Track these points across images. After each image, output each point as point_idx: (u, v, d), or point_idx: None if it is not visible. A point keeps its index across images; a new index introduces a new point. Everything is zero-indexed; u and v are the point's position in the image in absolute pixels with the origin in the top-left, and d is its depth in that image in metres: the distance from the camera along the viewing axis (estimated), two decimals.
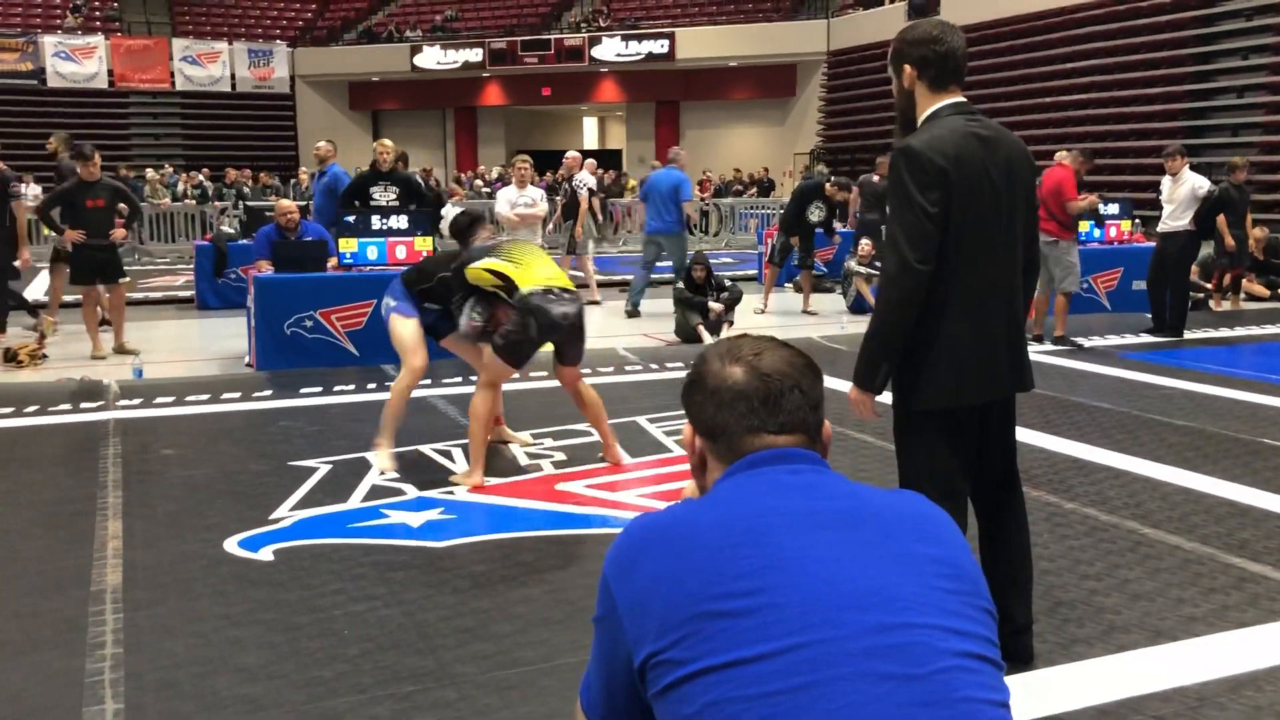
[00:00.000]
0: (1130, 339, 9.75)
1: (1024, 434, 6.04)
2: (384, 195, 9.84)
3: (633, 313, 11.01)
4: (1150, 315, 10.10)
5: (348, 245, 8.48)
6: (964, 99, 3.04)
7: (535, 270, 5.21)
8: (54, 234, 8.86)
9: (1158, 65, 20.17)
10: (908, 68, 3.02)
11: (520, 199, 9.87)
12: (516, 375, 5.82)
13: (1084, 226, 11.55)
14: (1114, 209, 11.63)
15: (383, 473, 5.28)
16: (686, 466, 5.36)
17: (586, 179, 12.58)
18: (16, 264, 9.41)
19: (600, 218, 19.86)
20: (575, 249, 12.66)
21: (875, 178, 13.83)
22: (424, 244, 8.70)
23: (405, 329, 5.52)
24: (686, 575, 1.30)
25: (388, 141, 10.35)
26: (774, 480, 1.42)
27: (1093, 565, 4.06)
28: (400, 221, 8.57)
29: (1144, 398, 7.16)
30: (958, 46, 3.00)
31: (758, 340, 1.54)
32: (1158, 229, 10.12)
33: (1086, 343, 9.34)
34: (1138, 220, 11.99)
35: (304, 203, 14.97)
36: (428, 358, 5.55)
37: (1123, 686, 3.09)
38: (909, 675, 1.22)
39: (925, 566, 1.34)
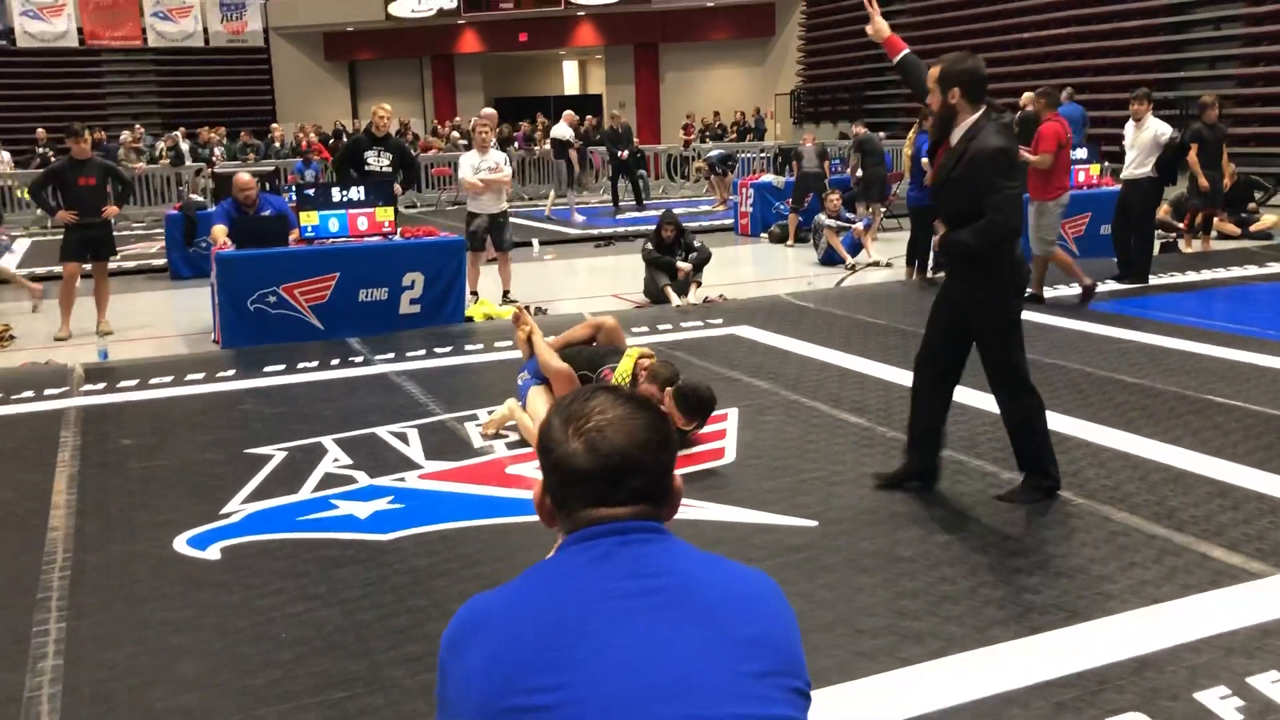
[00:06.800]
0: (1097, 286, 9.79)
1: (974, 397, 6.12)
2: (379, 161, 9.80)
3: None
4: (1116, 262, 10.13)
5: (309, 218, 8.46)
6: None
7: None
8: (45, 213, 8.86)
9: None
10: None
11: (483, 164, 9.82)
12: None
13: None
14: (1082, 153, 11.60)
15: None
16: None
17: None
18: None
19: (579, 167, 19.74)
20: None
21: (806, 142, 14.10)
22: (385, 215, 8.70)
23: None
24: (498, 666, 1.36)
25: (387, 106, 10.28)
26: (602, 554, 1.44)
27: (1020, 541, 4.15)
28: (358, 193, 8.54)
29: (1100, 353, 7.22)
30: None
31: (607, 403, 1.50)
32: (1121, 176, 10.12)
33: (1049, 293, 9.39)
34: (1107, 164, 11.96)
35: (270, 168, 14.90)
36: None
37: (1031, 671, 3.18)
38: None
39: (736, 650, 1.38)
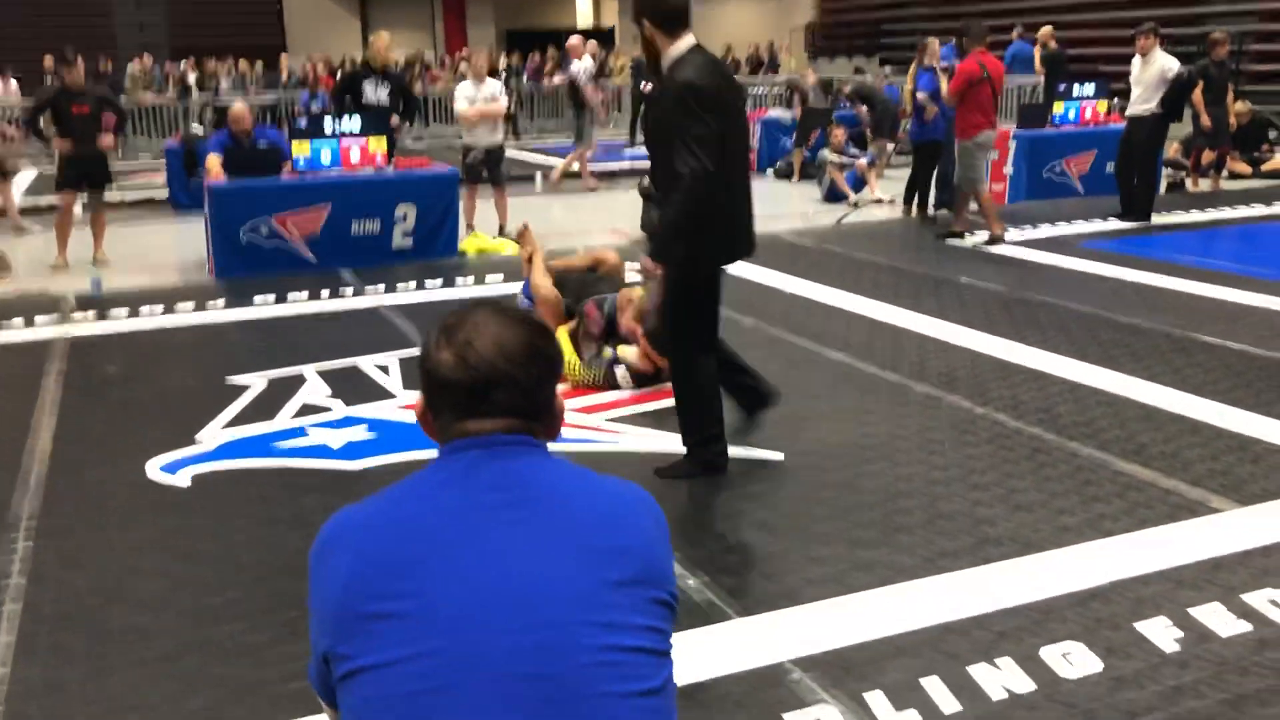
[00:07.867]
0: (1099, 224, 9.69)
1: (960, 334, 6.11)
2: (376, 93, 9.69)
3: None
4: (1119, 199, 10.00)
5: (301, 149, 8.42)
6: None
7: None
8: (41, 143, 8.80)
9: None
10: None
11: (480, 94, 9.72)
12: None
13: (1058, 109, 11.37)
14: (1089, 88, 11.41)
15: None
16: (630, 392, 5.37)
17: (577, 66, 12.43)
18: None
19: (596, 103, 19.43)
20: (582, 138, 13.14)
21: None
22: (378, 146, 8.65)
23: None
24: (358, 575, 1.38)
25: (385, 35, 10.15)
26: (467, 466, 1.45)
27: (984, 475, 4.14)
28: (350, 124, 8.49)
29: (1092, 291, 7.16)
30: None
31: (485, 317, 1.49)
32: (1125, 113, 9.95)
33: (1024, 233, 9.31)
34: (1116, 101, 11.76)
35: (271, 99, 14.79)
36: None
37: (976, 602, 3.19)
38: (542, 675, 1.29)
39: (596, 559, 1.38)
